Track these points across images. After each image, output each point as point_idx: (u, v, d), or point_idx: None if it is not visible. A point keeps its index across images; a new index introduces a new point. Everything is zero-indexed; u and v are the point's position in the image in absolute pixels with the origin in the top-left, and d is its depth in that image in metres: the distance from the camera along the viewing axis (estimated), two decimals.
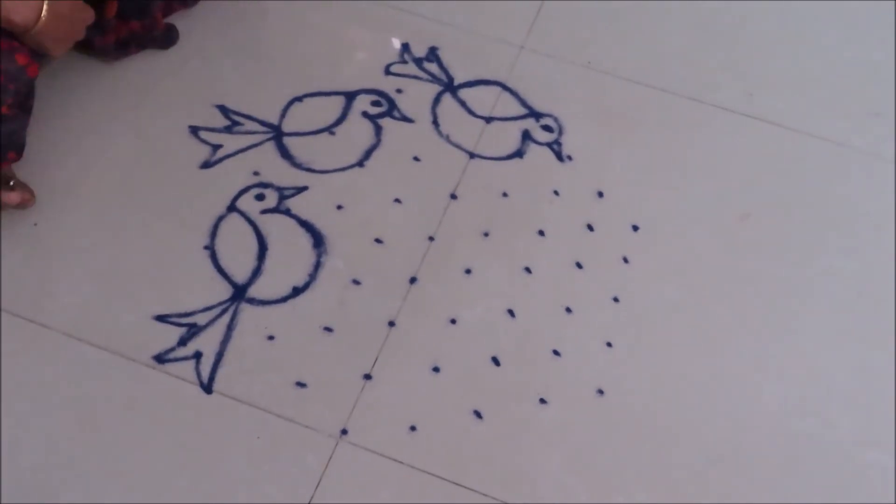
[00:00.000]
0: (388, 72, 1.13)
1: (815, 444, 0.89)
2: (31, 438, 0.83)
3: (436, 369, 0.90)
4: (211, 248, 0.96)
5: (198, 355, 0.89)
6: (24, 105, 0.95)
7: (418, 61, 1.15)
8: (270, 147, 1.05)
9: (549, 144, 1.09)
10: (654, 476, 0.86)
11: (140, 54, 1.08)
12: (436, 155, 1.07)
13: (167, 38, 1.09)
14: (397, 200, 1.02)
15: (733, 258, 1.02)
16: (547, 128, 1.11)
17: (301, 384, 0.88)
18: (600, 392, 0.91)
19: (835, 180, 1.10)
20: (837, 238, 1.05)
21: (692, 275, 1.00)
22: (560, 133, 1.10)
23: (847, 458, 0.89)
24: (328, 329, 0.92)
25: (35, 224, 0.95)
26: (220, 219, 0.98)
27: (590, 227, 1.02)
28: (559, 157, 1.08)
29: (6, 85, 0.89)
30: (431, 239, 0.99)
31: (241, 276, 0.94)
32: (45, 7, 0.85)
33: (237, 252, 0.96)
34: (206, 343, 0.89)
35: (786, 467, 0.88)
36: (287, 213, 1.00)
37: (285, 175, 1.02)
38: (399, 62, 1.15)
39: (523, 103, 1.12)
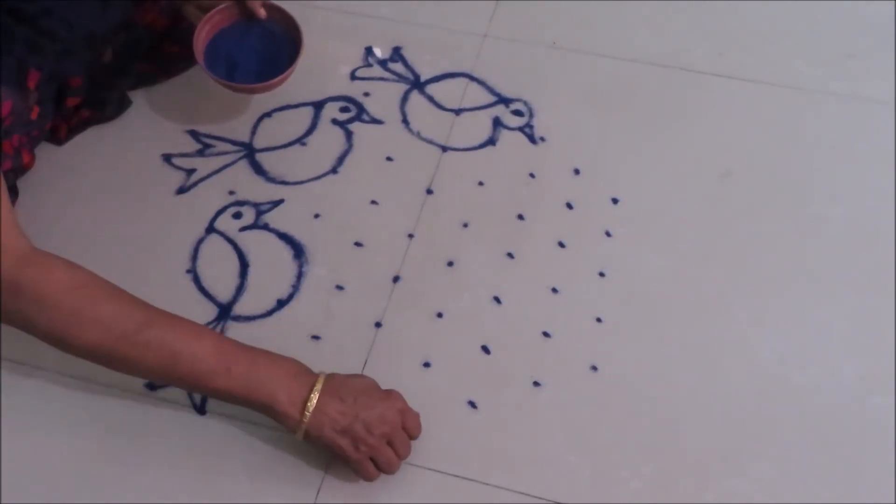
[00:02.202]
0: (353, 77, 1.14)
1: (818, 394, 0.88)
2: (29, 476, 0.84)
3: (426, 364, 0.90)
4: (193, 272, 0.96)
5: None
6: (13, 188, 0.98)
7: (383, 63, 1.15)
8: (244, 165, 1.05)
9: (520, 128, 1.09)
10: (657, 446, 0.85)
11: None
12: (408, 153, 1.06)
13: (119, 109, 1.09)
14: (374, 202, 1.02)
15: (718, 219, 1.00)
16: (517, 112, 1.10)
17: None
18: (594, 368, 0.90)
19: (814, 128, 1.08)
20: (823, 185, 1.03)
21: (678, 240, 0.99)
22: (531, 116, 1.10)
23: (851, 405, 0.87)
24: (316, 337, 0.92)
25: None
26: (200, 241, 0.99)
27: (569, 206, 1.02)
28: (532, 139, 1.07)
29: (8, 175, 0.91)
30: (411, 236, 0.99)
31: (224, 296, 0.95)
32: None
33: (219, 272, 0.96)
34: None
35: (790, 421, 0.86)
36: (265, 227, 1.00)
37: (260, 191, 1.03)
38: (364, 66, 1.15)
39: (491, 91, 1.12)
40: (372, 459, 0.80)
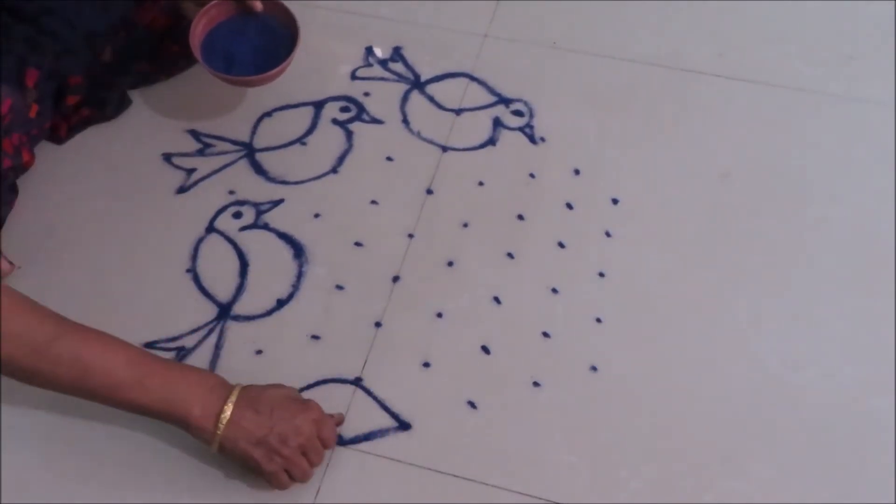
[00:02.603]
0: (354, 77, 1.14)
1: (817, 395, 0.88)
2: (29, 476, 0.84)
3: (426, 364, 0.90)
4: (193, 271, 0.96)
5: None
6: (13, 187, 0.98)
7: (383, 63, 1.15)
8: (244, 165, 1.05)
9: (521, 129, 1.09)
10: (657, 447, 0.85)
11: None
12: (408, 153, 1.06)
13: (119, 108, 1.09)
14: (374, 202, 1.02)
15: (718, 219, 1.00)
16: (518, 112, 1.10)
17: None
18: (594, 368, 0.90)
19: (814, 128, 1.08)
20: (823, 186, 1.03)
21: (677, 241, 0.99)
22: (531, 116, 1.10)
23: (850, 405, 0.87)
24: (315, 337, 0.92)
25: (19, 267, 0.96)
26: (200, 241, 0.99)
27: (569, 206, 1.02)
28: (532, 139, 1.07)
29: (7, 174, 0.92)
30: (411, 236, 0.99)
31: (224, 295, 0.95)
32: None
33: (219, 271, 0.96)
34: (196, 364, 0.89)
35: (790, 421, 0.86)
36: (265, 227, 1.00)
37: (260, 190, 1.03)
38: (364, 66, 1.15)
39: (492, 91, 1.12)
40: (286, 470, 0.80)
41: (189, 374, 0.80)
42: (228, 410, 0.78)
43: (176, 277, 0.96)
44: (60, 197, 1.02)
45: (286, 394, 0.82)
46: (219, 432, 0.78)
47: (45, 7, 0.93)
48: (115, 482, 0.83)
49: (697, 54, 1.15)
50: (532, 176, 1.04)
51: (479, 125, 1.09)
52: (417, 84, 1.13)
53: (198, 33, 1.01)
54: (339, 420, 0.86)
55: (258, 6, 1.01)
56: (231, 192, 1.03)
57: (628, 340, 0.91)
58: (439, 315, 0.93)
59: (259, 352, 0.91)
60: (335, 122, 1.09)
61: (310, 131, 1.08)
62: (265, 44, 1.02)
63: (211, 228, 1.00)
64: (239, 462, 0.81)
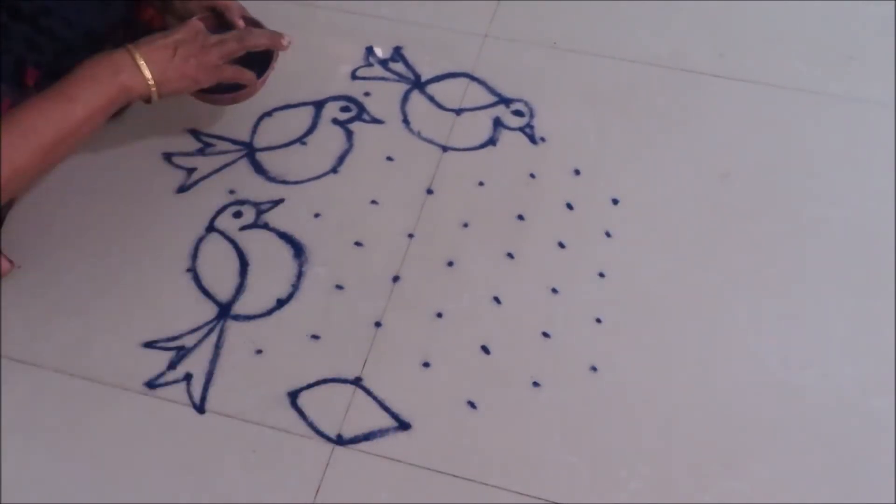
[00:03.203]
0: (354, 76, 1.14)
1: (817, 395, 0.88)
2: (30, 474, 0.83)
3: (426, 364, 0.90)
4: (193, 270, 0.96)
5: (188, 377, 0.89)
6: None
7: (384, 63, 1.15)
8: (244, 164, 1.05)
9: (521, 129, 1.09)
10: (656, 447, 0.85)
11: None
12: (409, 153, 1.06)
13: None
14: (374, 202, 1.02)
15: (718, 219, 1.00)
16: (518, 112, 1.10)
17: (293, 393, 0.88)
18: (593, 369, 0.90)
19: (815, 129, 1.08)
20: (823, 187, 1.03)
21: (678, 241, 0.99)
22: (531, 116, 1.10)
23: (850, 406, 0.87)
24: (315, 337, 0.92)
25: (19, 267, 0.96)
26: (200, 240, 0.99)
27: (569, 206, 1.02)
28: (532, 140, 1.07)
29: None
30: (411, 236, 0.99)
31: (224, 295, 0.95)
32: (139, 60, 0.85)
33: (219, 271, 0.96)
34: (196, 364, 0.90)
35: (790, 422, 0.86)
36: (265, 227, 1.00)
37: (261, 190, 1.03)
38: (364, 66, 1.15)
39: (492, 91, 1.12)
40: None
41: (87, 67, 0.85)
42: (138, 56, 0.85)
43: (176, 277, 0.96)
44: (60, 196, 1.02)
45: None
46: (149, 78, 0.85)
47: (44, 7, 0.93)
48: (115, 480, 0.83)
49: (698, 54, 1.15)
50: (532, 176, 1.04)
51: (480, 125, 1.09)
52: (418, 84, 1.13)
53: None
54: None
55: (240, 25, 1.01)
56: (231, 192, 1.03)
57: (628, 340, 0.91)
58: (439, 315, 0.93)
59: (259, 351, 0.91)
60: (335, 121, 1.09)
61: (310, 131, 1.08)
62: (240, 63, 1.01)
63: (211, 228, 1.00)
64: (180, 88, 0.89)
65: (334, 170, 1.05)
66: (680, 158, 1.06)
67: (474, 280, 0.96)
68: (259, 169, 1.05)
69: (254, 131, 1.08)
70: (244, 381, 0.89)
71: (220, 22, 1.02)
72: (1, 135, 0.80)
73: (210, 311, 0.93)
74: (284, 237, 0.99)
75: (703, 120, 1.09)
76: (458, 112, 1.10)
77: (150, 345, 0.91)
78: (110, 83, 0.84)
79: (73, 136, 0.85)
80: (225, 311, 0.93)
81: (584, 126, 1.08)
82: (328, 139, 1.08)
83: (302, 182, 1.04)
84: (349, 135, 1.08)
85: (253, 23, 1.02)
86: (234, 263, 0.97)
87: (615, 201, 1.02)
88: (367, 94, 1.12)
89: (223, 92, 0.99)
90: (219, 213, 1.01)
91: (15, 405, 0.87)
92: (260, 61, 1.00)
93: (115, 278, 0.96)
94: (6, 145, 0.80)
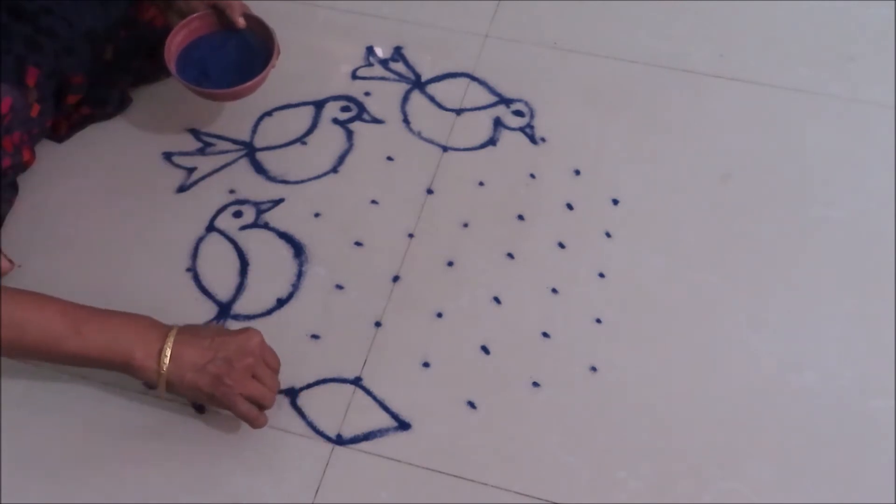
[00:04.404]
0: (354, 76, 1.14)
1: (817, 396, 0.88)
2: (29, 475, 0.83)
3: (426, 364, 0.90)
4: (193, 270, 0.96)
5: None
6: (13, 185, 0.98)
7: (384, 62, 1.15)
8: (244, 164, 1.05)
9: (521, 129, 1.09)
10: (656, 447, 0.85)
11: None
12: (409, 153, 1.07)
13: (120, 107, 1.09)
14: (374, 202, 1.02)
15: (718, 220, 1.01)
16: (518, 113, 1.10)
17: (293, 393, 0.88)
18: (593, 369, 0.90)
19: (815, 130, 1.09)
20: (823, 188, 1.03)
21: (677, 242, 0.99)
22: (532, 116, 1.10)
23: (850, 407, 0.87)
24: (315, 336, 0.92)
25: (19, 266, 0.96)
26: (200, 240, 0.99)
27: (569, 206, 1.02)
28: (532, 140, 1.08)
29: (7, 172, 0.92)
30: (411, 236, 0.99)
31: (224, 294, 0.95)
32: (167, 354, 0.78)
33: (219, 270, 0.96)
34: None
35: (790, 423, 0.86)
36: (265, 226, 1.00)
37: (261, 190, 1.03)
38: (365, 65, 1.15)
39: (492, 91, 1.12)
40: (246, 398, 0.80)
41: (124, 318, 0.80)
42: (169, 346, 0.78)
43: (176, 276, 0.96)
44: (60, 195, 1.02)
45: (222, 327, 0.84)
46: (163, 370, 0.77)
47: (45, 6, 0.93)
48: (115, 480, 0.83)
49: (698, 55, 1.16)
50: (532, 176, 1.04)
51: (480, 125, 1.09)
52: (418, 84, 1.13)
53: (175, 44, 1.01)
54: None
55: (241, 23, 1.01)
56: (231, 192, 1.03)
57: (628, 341, 0.92)
58: (439, 315, 0.93)
59: None
60: (336, 121, 1.09)
61: (310, 131, 1.08)
62: (241, 60, 1.02)
63: (211, 227, 1.00)
64: (190, 396, 0.81)
65: (335, 169, 1.05)
66: (680, 158, 1.06)
67: (474, 280, 0.96)
68: (259, 168, 1.05)
69: (254, 131, 1.08)
70: None
71: (221, 19, 1.02)
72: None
73: (210, 310, 0.93)
74: (284, 237, 0.99)
75: (703, 120, 1.09)
76: (459, 112, 1.10)
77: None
78: (122, 349, 0.77)
79: (49, 357, 0.79)
80: (225, 311, 0.93)
81: (585, 126, 1.09)
82: (328, 139, 1.08)
83: (302, 182, 1.04)
84: (349, 134, 1.08)
85: (255, 20, 1.02)
86: (235, 263, 0.97)
87: (615, 202, 1.02)
88: (367, 93, 1.12)
89: (225, 87, 0.99)
90: (219, 212, 1.01)
91: (15, 405, 0.87)
92: (260, 58, 1.00)
93: (116, 278, 0.96)
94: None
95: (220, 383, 0.79)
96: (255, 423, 0.82)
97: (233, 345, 0.80)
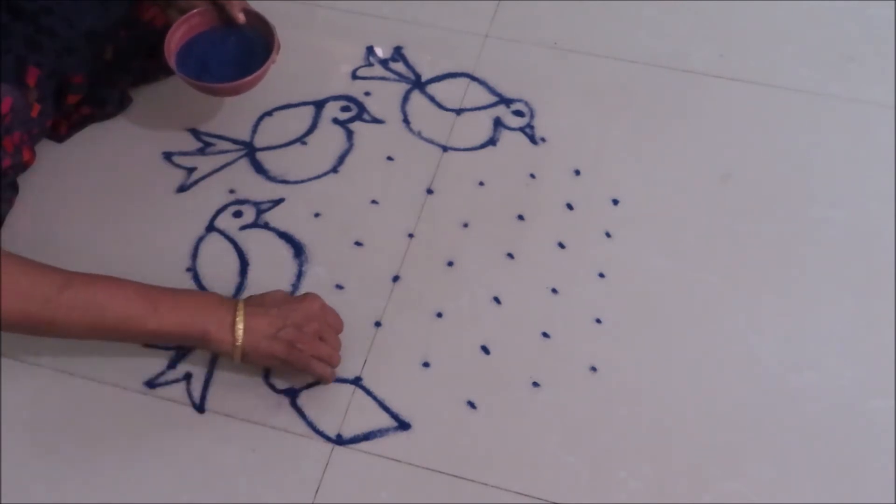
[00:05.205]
0: (354, 76, 1.14)
1: (817, 396, 0.88)
2: (30, 474, 0.83)
3: (426, 364, 0.90)
4: (193, 270, 0.96)
5: (188, 376, 0.89)
6: (13, 185, 0.98)
7: (384, 62, 1.15)
8: (244, 164, 1.05)
9: (521, 129, 1.09)
10: (656, 447, 0.85)
11: None
12: (409, 153, 1.07)
13: (120, 106, 1.09)
14: (374, 202, 1.02)
15: (718, 220, 1.01)
16: (518, 113, 1.10)
17: (293, 393, 0.88)
18: (593, 369, 0.90)
19: (815, 130, 1.09)
20: (823, 188, 1.03)
21: (678, 242, 0.99)
22: (532, 116, 1.10)
23: (850, 407, 0.87)
24: None
25: None
26: (200, 240, 0.99)
27: (569, 206, 1.02)
28: (533, 140, 1.08)
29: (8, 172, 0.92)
30: (411, 236, 0.99)
31: (224, 294, 0.94)
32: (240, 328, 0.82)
33: (219, 270, 0.96)
34: (196, 363, 0.89)
35: (790, 423, 0.86)
36: (265, 226, 1.00)
37: (261, 189, 1.03)
38: (365, 65, 1.15)
39: (492, 91, 1.12)
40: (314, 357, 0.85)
41: (195, 295, 0.85)
42: (241, 319, 0.82)
43: (176, 276, 0.96)
44: (60, 195, 1.02)
45: (283, 294, 0.87)
46: (238, 342, 0.81)
47: (45, 6, 0.93)
48: (115, 480, 0.83)
49: (698, 55, 1.16)
50: (532, 176, 1.04)
51: (480, 125, 1.09)
52: (418, 84, 1.13)
53: (175, 39, 1.01)
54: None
55: (241, 18, 1.01)
56: (231, 191, 1.03)
57: (628, 341, 0.92)
58: (439, 315, 0.93)
59: None
60: (336, 121, 1.09)
61: (310, 131, 1.08)
62: (241, 55, 1.02)
63: (211, 227, 1.00)
64: (266, 364, 0.86)
65: (335, 169, 1.05)
66: (680, 158, 1.06)
67: (474, 280, 0.96)
68: (259, 168, 1.05)
69: (254, 131, 1.08)
70: (244, 380, 0.89)
71: (221, 15, 1.02)
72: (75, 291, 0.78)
73: None
74: (284, 237, 0.99)
75: (703, 120, 1.09)
76: (459, 112, 1.10)
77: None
78: (197, 323, 0.81)
79: (128, 335, 0.82)
80: None
81: (585, 126, 1.09)
82: (328, 139, 1.08)
83: (302, 182, 1.04)
84: (349, 134, 1.08)
85: (255, 16, 1.02)
86: (235, 263, 0.97)
87: (615, 202, 1.02)
88: (367, 93, 1.12)
89: (225, 82, 0.99)
90: (219, 212, 1.01)
91: (15, 405, 0.87)
92: (260, 53, 1.00)
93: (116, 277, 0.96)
94: (68, 299, 0.78)
95: (293, 349, 0.83)
96: (329, 380, 0.87)
97: (299, 311, 0.84)
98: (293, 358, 0.83)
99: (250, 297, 0.86)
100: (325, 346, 0.86)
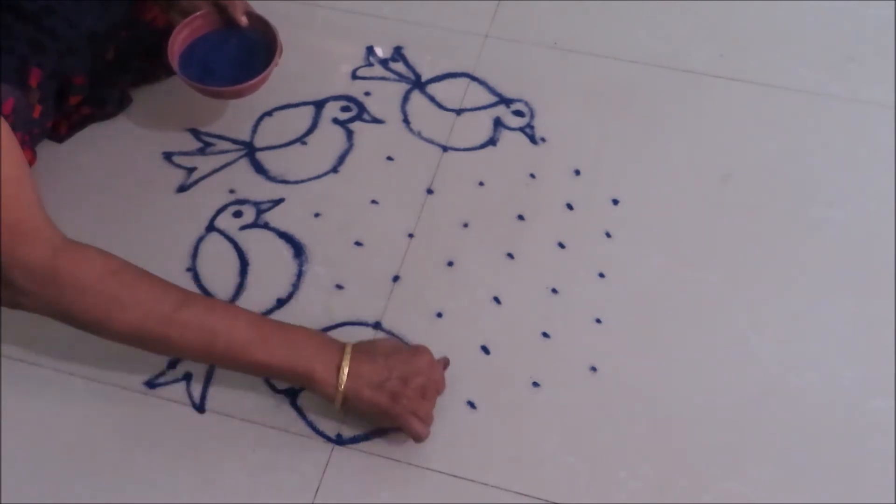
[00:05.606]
0: (354, 76, 1.14)
1: (817, 396, 0.88)
2: (29, 475, 0.83)
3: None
4: (193, 270, 0.96)
5: (188, 376, 0.89)
6: None
7: (384, 62, 1.15)
8: (244, 164, 1.05)
9: (521, 129, 1.09)
10: (656, 447, 0.85)
11: None
12: (409, 152, 1.07)
13: (120, 106, 1.09)
14: (374, 202, 1.02)
15: (718, 220, 1.01)
16: (518, 113, 1.10)
17: (293, 393, 0.88)
18: (593, 369, 0.90)
19: (815, 130, 1.09)
20: (823, 188, 1.03)
21: (678, 242, 0.99)
22: (532, 116, 1.10)
23: (850, 408, 0.87)
24: None
25: None
26: (200, 240, 0.99)
27: (569, 206, 1.02)
28: (533, 140, 1.08)
29: None
30: (411, 236, 0.99)
31: (224, 294, 0.95)
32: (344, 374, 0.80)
33: (219, 270, 0.96)
34: (196, 363, 0.90)
35: (790, 423, 0.86)
36: (265, 226, 1.00)
37: (261, 189, 1.03)
38: (365, 65, 1.15)
39: (492, 91, 1.12)
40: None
41: (304, 333, 0.83)
42: (346, 362, 0.80)
43: (176, 276, 0.95)
44: (61, 195, 1.02)
45: (395, 343, 0.86)
46: (341, 386, 0.80)
47: (47, 7, 0.94)
48: (115, 480, 0.83)
49: (698, 55, 1.16)
50: (532, 176, 1.04)
51: (480, 125, 1.09)
52: (418, 84, 1.13)
53: (178, 42, 1.01)
54: (445, 364, 0.88)
55: (243, 21, 1.01)
56: (231, 191, 1.03)
57: (628, 341, 0.92)
58: (439, 315, 0.93)
59: None
60: (336, 121, 1.09)
61: (310, 131, 1.08)
62: (244, 58, 1.02)
63: (211, 227, 1.00)
64: (365, 413, 0.83)
65: (335, 169, 1.05)
66: (680, 158, 1.06)
67: (474, 280, 0.96)
68: (259, 168, 1.05)
69: (254, 131, 1.08)
70: (244, 380, 0.88)
71: (223, 18, 1.02)
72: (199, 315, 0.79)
73: None
74: (284, 237, 0.99)
75: (703, 120, 1.09)
76: (459, 112, 1.10)
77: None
78: (305, 361, 0.80)
79: (238, 364, 0.81)
80: None
81: (585, 127, 1.09)
82: (328, 139, 1.08)
83: (302, 181, 1.04)
84: (349, 134, 1.08)
85: (257, 18, 1.02)
86: (234, 263, 0.97)
87: (615, 202, 1.02)
88: (367, 93, 1.12)
89: (229, 85, 0.99)
90: (219, 212, 1.01)
91: (15, 405, 0.87)
92: (263, 56, 1.00)
93: None
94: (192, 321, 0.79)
95: (396, 402, 0.81)
96: (423, 439, 0.83)
97: (407, 365, 0.82)
98: (394, 412, 0.81)
99: (360, 342, 0.83)
100: (426, 405, 0.83)
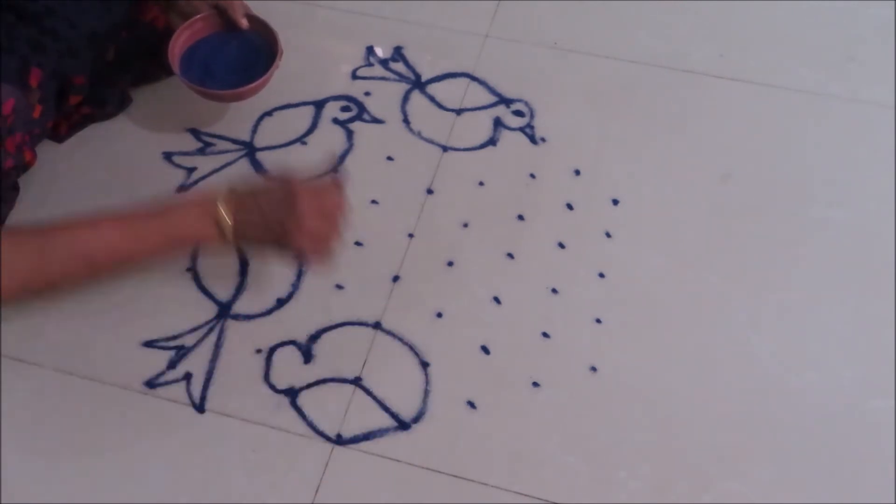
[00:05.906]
0: (354, 76, 1.14)
1: (817, 396, 0.88)
2: (30, 474, 0.84)
3: (425, 364, 0.90)
4: (193, 269, 0.96)
5: (188, 376, 0.89)
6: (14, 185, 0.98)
7: (384, 62, 1.15)
8: (244, 164, 1.05)
9: (521, 129, 1.09)
10: (656, 447, 0.85)
11: None
12: (409, 152, 1.07)
13: (120, 106, 1.09)
14: (374, 202, 1.02)
15: (718, 221, 1.01)
16: (518, 113, 1.10)
17: (293, 393, 0.88)
18: (593, 369, 0.90)
19: (815, 130, 1.09)
20: (823, 188, 1.03)
21: (677, 242, 0.99)
22: (532, 116, 1.10)
23: (850, 408, 0.87)
24: (315, 336, 0.92)
25: None
26: None
27: (569, 206, 1.02)
28: (533, 140, 1.08)
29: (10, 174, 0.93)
30: (411, 236, 0.99)
31: (224, 294, 0.95)
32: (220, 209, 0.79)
33: (219, 270, 0.96)
34: (196, 363, 0.90)
35: (790, 423, 0.86)
36: None
37: None
38: (365, 65, 1.15)
39: (492, 91, 1.12)
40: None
41: (175, 207, 0.81)
42: (222, 207, 0.79)
43: (176, 276, 0.96)
44: (61, 195, 1.02)
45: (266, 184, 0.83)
46: (230, 237, 0.79)
47: (48, 7, 0.94)
48: (115, 480, 0.83)
49: (698, 55, 1.16)
50: (532, 176, 1.04)
51: (480, 125, 1.09)
52: (418, 84, 1.13)
53: (179, 44, 1.01)
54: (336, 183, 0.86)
55: (244, 23, 1.01)
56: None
57: (628, 341, 0.92)
58: (439, 315, 0.93)
59: (259, 350, 0.91)
60: (336, 121, 1.09)
61: (310, 131, 1.08)
62: (245, 61, 1.02)
63: None
64: (259, 242, 0.82)
65: (335, 169, 1.05)
66: (680, 158, 1.06)
67: (474, 280, 0.96)
68: (259, 168, 1.05)
69: (254, 131, 1.08)
70: (244, 380, 0.89)
71: (224, 20, 1.02)
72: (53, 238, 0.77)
73: (210, 310, 0.93)
74: None
75: (703, 120, 1.09)
76: (459, 112, 1.10)
77: (149, 344, 0.91)
78: (186, 235, 0.80)
79: (127, 270, 0.82)
80: (225, 311, 0.93)
81: (585, 127, 1.09)
82: (329, 139, 1.08)
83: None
84: (349, 134, 1.08)
85: (257, 21, 1.02)
86: (234, 262, 0.97)
87: (615, 202, 1.02)
88: (367, 93, 1.12)
89: (229, 88, 0.99)
90: None
91: (15, 405, 0.87)
92: (263, 58, 1.00)
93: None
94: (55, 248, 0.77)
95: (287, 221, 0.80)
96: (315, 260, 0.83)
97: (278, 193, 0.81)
98: (286, 228, 0.80)
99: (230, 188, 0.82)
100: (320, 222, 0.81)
